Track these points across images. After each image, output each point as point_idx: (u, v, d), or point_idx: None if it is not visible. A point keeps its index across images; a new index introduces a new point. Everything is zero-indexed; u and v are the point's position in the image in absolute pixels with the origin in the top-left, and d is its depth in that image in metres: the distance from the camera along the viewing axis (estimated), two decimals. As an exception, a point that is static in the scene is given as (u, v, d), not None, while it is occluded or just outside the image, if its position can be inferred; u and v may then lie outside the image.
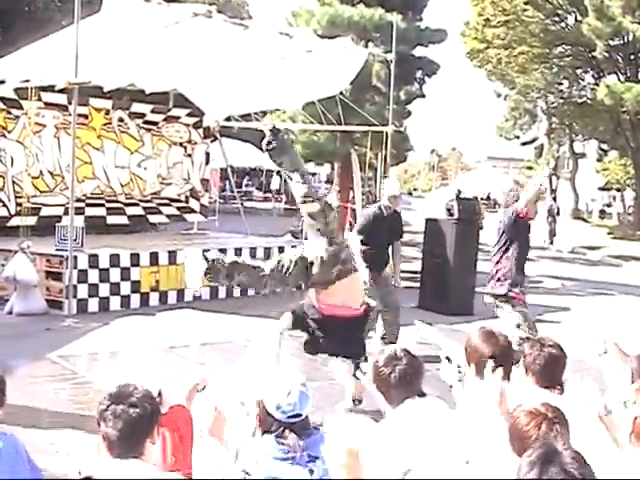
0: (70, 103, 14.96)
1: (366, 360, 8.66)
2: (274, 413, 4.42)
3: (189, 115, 19.99)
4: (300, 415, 4.46)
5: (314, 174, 53.73)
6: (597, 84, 37.57)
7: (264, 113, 22.60)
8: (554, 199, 44.04)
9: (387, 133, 18.89)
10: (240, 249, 16.38)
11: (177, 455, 4.63)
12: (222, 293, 15.89)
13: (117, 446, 3.76)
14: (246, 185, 50.67)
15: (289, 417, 4.42)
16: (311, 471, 4.40)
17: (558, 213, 38.84)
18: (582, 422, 5.11)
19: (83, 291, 13.68)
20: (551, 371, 5.26)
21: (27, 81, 15.13)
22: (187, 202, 20.32)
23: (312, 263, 7.93)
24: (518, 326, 9.83)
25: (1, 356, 9.64)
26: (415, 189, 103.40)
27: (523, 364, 5.35)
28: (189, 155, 20.40)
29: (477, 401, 5.17)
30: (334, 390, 9.06)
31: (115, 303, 14.13)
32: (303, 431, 4.47)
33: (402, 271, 19.70)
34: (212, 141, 21.10)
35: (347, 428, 4.48)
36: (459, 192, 12.83)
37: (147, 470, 3.77)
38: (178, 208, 20.13)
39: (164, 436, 4.49)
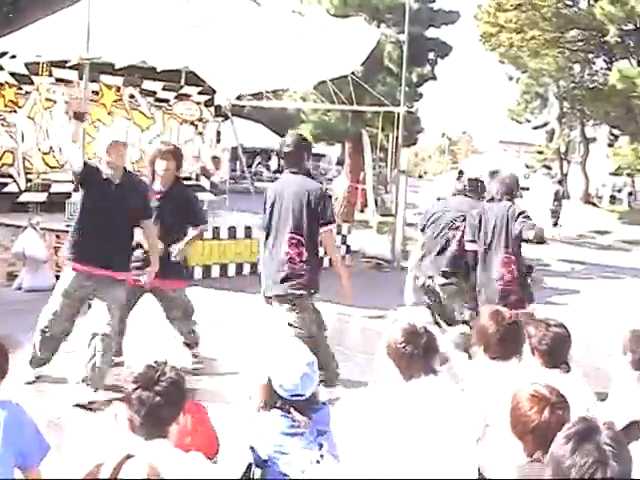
0: (81, 79, 14.91)
1: None
2: (278, 390, 4.46)
3: (200, 93, 19.95)
4: (302, 395, 4.48)
5: (324, 155, 53.49)
6: (609, 69, 37.49)
7: (276, 91, 22.56)
8: (560, 182, 44.01)
9: (399, 114, 18.85)
10: (250, 227, 16.41)
11: (194, 436, 4.62)
12: (232, 271, 15.97)
13: (141, 430, 3.80)
14: (257, 165, 50.50)
15: (291, 396, 4.45)
16: (320, 445, 4.42)
17: (564, 197, 38.82)
18: (585, 400, 5.15)
19: (92, 267, 13.66)
20: (558, 351, 5.33)
21: (38, 56, 15.12)
22: (198, 180, 20.29)
23: None
24: None
25: (11, 331, 9.64)
26: (425, 172, 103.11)
27: (529, 345, 5.36)
28: (200, 133, 20.38)
29: (486, 379, 5.18)
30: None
31: (124, 279, 14.13)
32: (308, 408, 4.49)
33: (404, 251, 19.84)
34: (223, 120, 21.07)
35: (356, 403, 4.49)
36: (461, 173, 12.77)
37: (172, 451, 3.81)
38: (188, 186, 20.07)
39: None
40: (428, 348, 4.81)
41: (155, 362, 3.93)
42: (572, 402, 4.05)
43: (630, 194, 58.24)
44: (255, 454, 4.37)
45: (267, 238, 8.50)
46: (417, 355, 4.75)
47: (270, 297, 8.48)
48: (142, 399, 3.76)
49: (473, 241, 9.49)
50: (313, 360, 4.62)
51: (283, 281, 8.25)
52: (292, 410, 4.43)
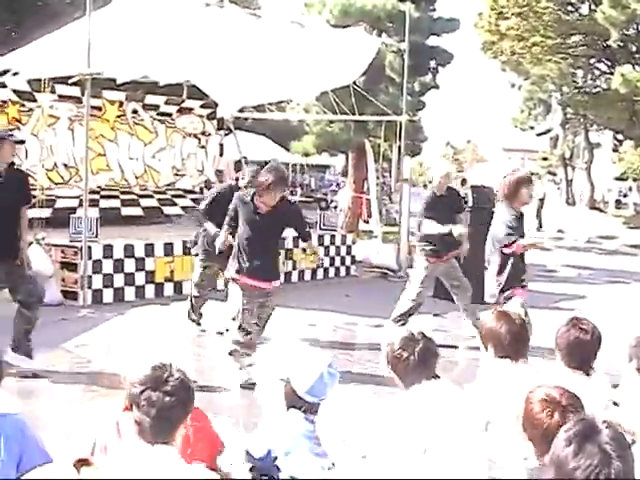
0: (83, 95, 14.95)
1: None
2: (304, 396, 4.43)
3: (203, 106, 20.01)
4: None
5: (328, 166, 53.48)
6: (612, 73, 37.41)
7: (278, 103, 22.60)
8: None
9: (401, 123, 18.86)
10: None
11: (196, 447, 4.57)
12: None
13: (149, 433, 3.72)
14: (261, 177, 50.24)
15: (320, 399, 4.44)
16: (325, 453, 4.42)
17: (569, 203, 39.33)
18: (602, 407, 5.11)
19: (98, 282, 13.71)
20: (576, 352, 5.25)
21: (41, 73, 15.18)
22: (202, 193, 20.28)
23: None
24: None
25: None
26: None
27: (555, 341, 5.34)
28: (203, 147, 20.42)
29: (499, 381, 5.17)
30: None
31: (130, 293, 14.17)
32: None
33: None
34: (226, 134, 21.10)
35: (350, 402, 4.51)
36: (464, 181, 12.76)
37: (176, 459, 3.75)
38: (192, 200, 20.10)
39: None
40: (426, 353, 4.83)
41: (161, 363, 3.86)
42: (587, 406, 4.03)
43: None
44: (251, 457, 4.36)
45: None
46: (414, 361, 4.77)
47: None
48: (152, 400, 3.68)
49: None
50: (331, 359, 4.61)
51: None
52: (315, 415, 4.44)
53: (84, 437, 5.05)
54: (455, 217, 11.77)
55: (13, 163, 9.68)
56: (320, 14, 22.63)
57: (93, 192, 16.37)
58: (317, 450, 4.38)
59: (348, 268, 18.60)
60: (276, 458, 4.37)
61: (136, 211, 18.88)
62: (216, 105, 19.39)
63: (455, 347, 11.54)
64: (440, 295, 14.43)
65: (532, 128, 68.28)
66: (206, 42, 14.42)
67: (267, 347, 10.34)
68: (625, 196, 63.44)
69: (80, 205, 15.18)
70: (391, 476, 4.41)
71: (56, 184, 16.96)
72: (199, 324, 12.12)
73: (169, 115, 19.55)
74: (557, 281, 19.63)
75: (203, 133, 20.38)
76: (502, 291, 9.64)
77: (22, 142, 10.90)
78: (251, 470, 4.45)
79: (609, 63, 41.04)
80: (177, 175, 19.87)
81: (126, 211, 18.56)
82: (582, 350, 5.25)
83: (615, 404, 5.25)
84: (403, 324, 11.13)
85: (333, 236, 18.39)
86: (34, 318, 9.35)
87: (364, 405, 4.67)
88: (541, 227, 37.47)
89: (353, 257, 18.98)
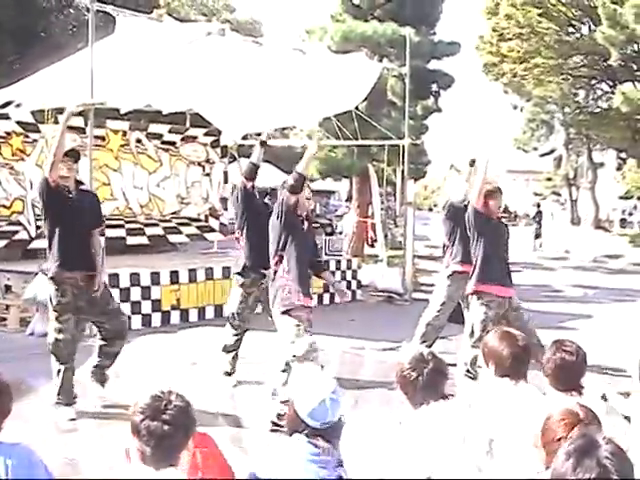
0: (87, 125, 15.01)
1: None
2: (306, 419, 4.40)
3: (206, 134, 20.08)
4: (332, 421, 4.44)
5: (333, 192, 53.60)
6: (613, 92, 37.54)
7: (282, 130, 22.69)
8: (538, 205, 45.03)
9: (404, 147, 18.87)
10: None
11: (206, 470, 4.56)
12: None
13: (150, 460, 3.75)
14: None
15: (322, 424, 4.41)
16: (340, 477, 4.38)
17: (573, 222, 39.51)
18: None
19: (104, 311, 13.70)
20: (564, 375, 5.22)
21: (44, 104, 15.24)
22: (207, 221, 20.38)
23: None
24: (483, 321, 10.03)
25: (24, 376, 9.70)
26: (435, 205, 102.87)
27: (542, 364, 5.34)
28: (207, 174, 20.48)
29: (499, 400, 5.16)
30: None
31: (136, 322, 14.14)
32: (334, 436, 4.45)
33: (422, 284, 19.93)
34: (230, 162, 21.15)
35: (368, 428, 4.49)
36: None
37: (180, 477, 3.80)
38: (198, 227, 20.19)
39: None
40: (435, 374, 4.83)
41: (160, 391, 3.88)
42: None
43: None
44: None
45: None
46: (423, 382, 4.77)
47: None
48: (150, 429, 3.71)
49: None
50: (335, 385, 4.58)
51: None
52: (319, 439, 4.40)
53: (92, 464, 5.07)
54: None
55: (81, 182, 9.53)
56: (321, 40, 22.74)
57: (98, 222, 16.39)
58: (322, 473, 4.35)
59: (354, 292, 18.59)
60: None
61: (141, 240, 18.92)
62: (220, 133, 19.46)
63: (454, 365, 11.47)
64: (452, 319, 14.34)
65: (535, 149, 68.50)
66: (208, 70, 14.48)
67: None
68: (630, 215, 63.40)
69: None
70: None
71: (61, 214, 16.98)
72: (230, 374, 10.81)
73: (173, 144, 19.62)
74: (563, 301, 19.62)
75: (207, 161, 20.44)
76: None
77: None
78: None
79: (610, 82, 41.20)
80: (182, 203, 19.93)
81: (131, 240, 18.59)
82: (569, 371, 5.23)
83: (627, 418, 5.24)
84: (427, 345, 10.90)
85: (339, 261, 18.48)
86: (116, 352, 9.48)
87: (387, 430, 4.63)
88: (540, 247, 37.79)
89: (359, 281, 19.02)
